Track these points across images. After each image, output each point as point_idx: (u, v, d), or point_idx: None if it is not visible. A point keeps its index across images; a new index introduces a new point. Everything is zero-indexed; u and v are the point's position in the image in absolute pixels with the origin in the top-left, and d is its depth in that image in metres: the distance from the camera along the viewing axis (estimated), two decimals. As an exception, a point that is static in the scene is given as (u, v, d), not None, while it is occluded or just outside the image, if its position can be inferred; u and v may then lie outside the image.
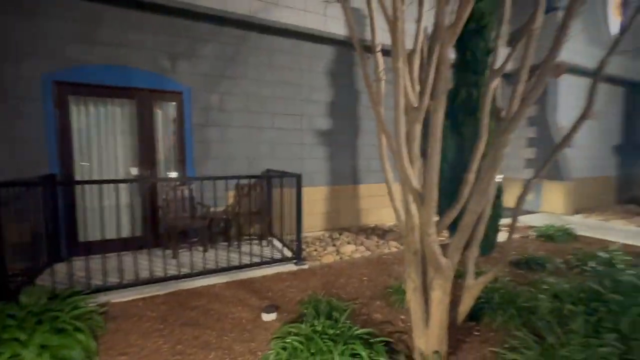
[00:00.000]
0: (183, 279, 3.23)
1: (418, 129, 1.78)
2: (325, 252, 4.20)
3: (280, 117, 5.18)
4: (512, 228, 1.87)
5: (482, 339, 2.27)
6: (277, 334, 2.09)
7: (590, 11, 7.89)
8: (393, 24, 1.62)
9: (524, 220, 6.32)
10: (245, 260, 3.64)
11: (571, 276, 3.10)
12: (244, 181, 4.72)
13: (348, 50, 5.54)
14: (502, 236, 5.00)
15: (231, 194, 4.68)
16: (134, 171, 4.19)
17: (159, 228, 4.24)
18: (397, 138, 1.67)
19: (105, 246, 3.41)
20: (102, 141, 4.10)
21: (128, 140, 4.21)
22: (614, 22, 8.50)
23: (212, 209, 4.36)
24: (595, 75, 1.85)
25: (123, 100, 4.16)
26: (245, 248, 4.23)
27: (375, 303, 2.86)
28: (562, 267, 3.52)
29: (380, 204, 5.99)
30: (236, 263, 3.54)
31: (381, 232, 5.26)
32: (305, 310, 2.45)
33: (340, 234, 5.15)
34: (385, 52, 2.14)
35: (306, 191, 5.35)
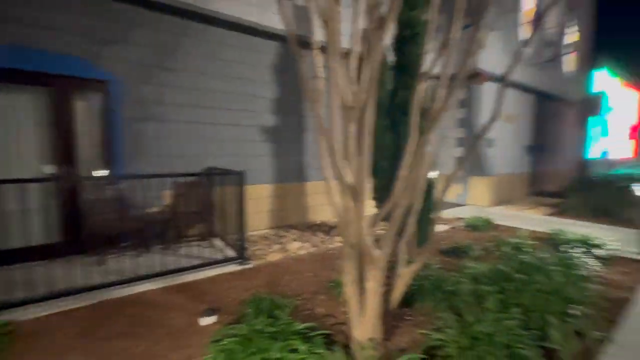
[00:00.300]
0: (111, 288, 2.94)
1: (353, 127, 1.85)
2: (271, 250, 4.16)
3: (225, 112, 4.99)
4: (434, 220, 2.05)
5: (414, 322, 2.46)
6: (215, 337, 2.02)
7: (507, 28, 8.96)
8: (327, 24, 1.66)
9: (454, 212, 6.97)
10: (184, 263, 3.45)
11: (489, 260, 3.49)
12: (184, 180, 4.46)
13: (303, 48, 5.52)
14: (435, 228, 5.47)
15: (169, 193, 4.39)
16: (48, 169, 3.68)
17: (82, 233, 3.80)
18: (332, 136, 1.72)
19: (10, 256, 2.96)
20: (5, 134, 3.53)
21: (42, 134, 3.68)
22: (526, 37, 9.74)
23: (147, 210, 4.05)
24: (502, 83, 2.10)
25: (36, 87, 3.62)
26: (185, 250, 4.01)
27: (319, 297, 2.92)
28: (483, 253, 3.97)
29: (327, 201, 6.11)
30: (174, 267, 3.33)
31: (327, 229, 5.38)
32: (247, 310, 2.41)
33: (287, 232, 5.14)
34: (325, 50, 2.19)
35: (252, 189, 5.24)
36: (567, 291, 2.24)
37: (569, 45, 12.61)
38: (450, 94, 1.69)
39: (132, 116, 4.14)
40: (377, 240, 1.88)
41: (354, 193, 1.65)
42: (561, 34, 12.04)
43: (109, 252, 3.67)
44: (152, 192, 4.12)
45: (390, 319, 2.50)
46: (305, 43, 2.01)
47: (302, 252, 4.17)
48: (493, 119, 1.97)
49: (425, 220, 4.38)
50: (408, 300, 2.73)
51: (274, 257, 3.91)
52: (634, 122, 18.86)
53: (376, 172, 4.82)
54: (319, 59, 2.06)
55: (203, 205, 4.58)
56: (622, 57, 15.74)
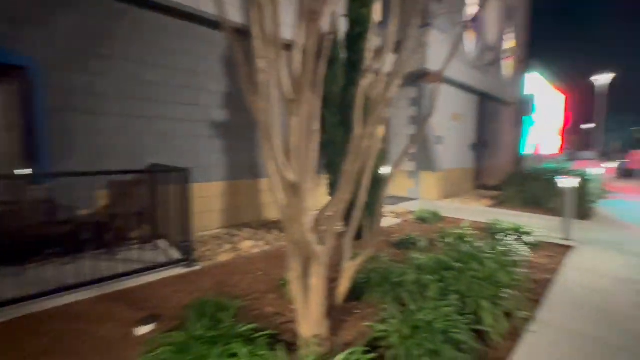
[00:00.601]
0: (33, 301, 2.61)
1: (295, 121, 1.81)
2: (222, 250, 4.00)
3: (172, 106, 4.68)
4: (379, 215, 2.08)
5: (361, 315, 2.50)
6: (149, 347, 1.87)
7: (454, 32, 9.51)
8: (259, 9, 1.59)
9: (406, 206, 7.28)
10: (123, 268, 3.17)
11: (434, 251, 3.67)
12: (124, 178, 4.10)
13: (246, 38, 5.34)
14: (386, 222, 5.66)
15: (105, 193, 4.02)
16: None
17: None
18: (271, 130, 1.66)
19: None
20: None
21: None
22: (470, 41, 10.44)
23: (78, 212, 3.66)
24: (438, 81, 2.18)
25: None
26: (125, 255, 3.70)
27: (269, 296, 2.85)
28: (429, 244, 4.18)
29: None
30: (108, 273, 3.05)
31: (283, 226, 5.31)
32: (188, 316, 2.27)
33: (240, 230, 4.98)
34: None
35: (202, 187, 4.99)
36: (498, 276, 2.42)
37: (506, 50, 13.76)
38: (387, 90, 1.71)
39: (57, 107, 3.70)
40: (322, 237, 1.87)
41: (295, 189, 1.61)
42: (500, 40, 13.10)
43: (32, 261, 3.26)
44: (85, 192, 3.73)
45: (339, 314, 2.51)
46: (248, 33, 1.91)
47: (255, 250, 4.07)
48: (427, 117, 2.04)
49: (376, 214, 4.51)
50: (357, 293, 2.78)
51: (225, 257, 3.75)
52: (561, 122, 21.23)
53: (331, 168, 4.86)
54: (260, 49, 1.98)
55: (146, 206, 4.27)
56: (551, 63, 17.56)
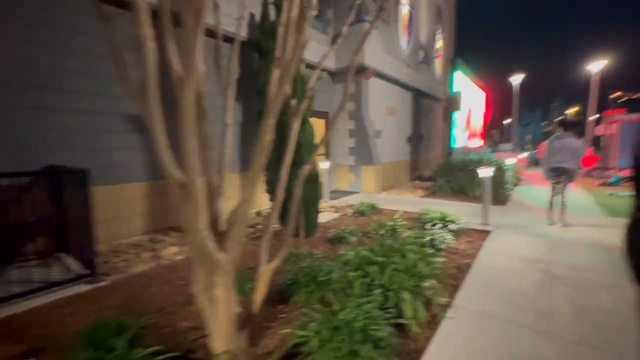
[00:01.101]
0: None
1: (183, 106, 1.57)
2: (140, 259, 3.56)
3: (76, 95, 4.02)
4: (315, 211, 1.95)
5: (286, 319, 2.37)
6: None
7: (389, 30, 9.83)
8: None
9: (346, 200, 7.37)
10: (3, 291, 2.62)
11: (368, 244, 3.70)
12: (14, 181, 3.41)
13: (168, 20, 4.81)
14: (325, 217, 5.64)
15: (-18, 201, 3.30)
16: None
17: None
18: (155, 120, 1.41)
19: None
20: None
21: None
22: (403, 40, 10.91)
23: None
24: (321, 70, 2.11)
25: None
26: (15, 272, 3.09)
27: (187, 309, 2.57)
28: (363, 238, 4.22)
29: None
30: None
31: None
32: (78, 344, 1.91)
33: (166, 235, 4.52)
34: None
35: (118, 189, 4.42)
36: (419, 267, 2.48)
37: (437, 50, 14.74)
38: (284, 80, 1.56)
39: None
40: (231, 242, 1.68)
41: (183, 190, 1.39)
42: (432, 40, 13.96)
43: None
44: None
45: (263, 319, 2.36)
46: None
47: (179, 257, 3.70)
48: (340, 109, 1.95)
49: (312, 210, 4.43)
50: (285, 295, 2.65)
51: (141, 267, 3.34)
52: (483, 117, 23.57)
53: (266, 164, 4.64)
54: (146, 23, 1.68)
55: (45, 213, 3.62)
56: (475, 63, 19.31)
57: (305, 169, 1.95)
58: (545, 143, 5.20)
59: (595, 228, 4.90)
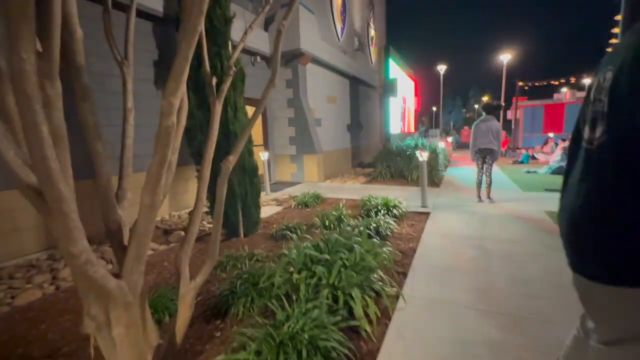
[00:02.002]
0: None
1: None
2: (29, 285, 2.83)
3: None
4: (220, 212, 1.61)
5: (223, 338, 2.03)
6: None
7: (325, 16, 9.61)
8: None
9: (289, 191, 7.09)
10: None
11: (314, 237, 3.48)
12: None
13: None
14: (267, 211, 5.30)
15: None
16: None
17: None
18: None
19: None
20: None
21: None
22: (338, 27, 10.81)
23: None
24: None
25: None
26: None
27: (89, 348, 2.06)
28: (308, 231, 4.01)
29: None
30: None
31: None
32: None
33: (73, 250, 3.73)
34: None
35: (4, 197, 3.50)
36: (367, 260, 2.33)
37: (371, 38, 15.03)
38: (187, 47, 1.19)
39: None
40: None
41: (40, 200, 0.96)
42: (366, 28, 14.15)
43: None
44: None
45: (194, 342, 1.98)
46: None
47: (89, 275, 3.05)
48: (270, 86, 1.64)
49: (252, 205, 4.06)
50: (221, 308, 2.30)
51: (30, 296, 2.63)
52: (414, 104, 25.13)
53: (200, 158, 4.09)
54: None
55: None
56: (405, 52, 20.30)
57: (230, 161, 1.60)
58: (472, 127, 5.54)
59: (515, 202, 5.41)
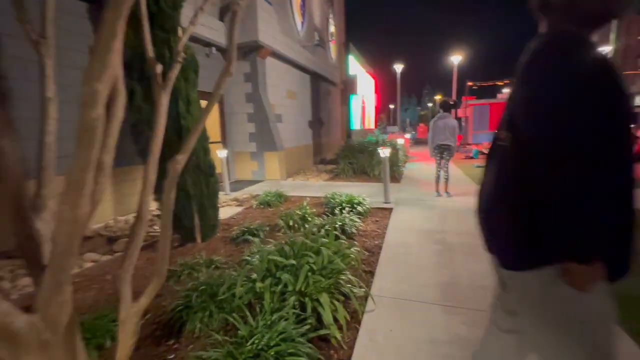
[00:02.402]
0: None
1: None
2: None
3: None
4: (168, 217, 1.39)
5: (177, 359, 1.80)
6: None
7: (284, 9, 9.33)
8: None
9: (250, 190, 6.80)
10: None
11: (279, 240, 3.31)
12: None
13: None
14: (227, 212, 5.01)
15: None
16: None
17: None
18: None
19: None
20: None
21: None
22: (298, 21, 10.60)
23: None
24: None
25: None
26: None
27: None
28: (271, 233, 3.82)
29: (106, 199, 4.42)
30: None
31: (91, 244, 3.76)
32: None
33: (-9, 266, 3.18)
34: None
35: None
36: (334, 262, 2.22)
37: (331, 34, 15.01)
38: (115, 20, 0.97)
39: None
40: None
41: None
42: (326, 23, 14.08)
43: None
44: None
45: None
46: None
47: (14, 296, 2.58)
48: (224, 76, 1.44)
49: (210, 207, 3.77)
50: (174, 325, 2.05)
51: None
52: (374, 101, 25.74)
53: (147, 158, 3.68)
54: None
55: None
56: (364, 49, 20.62)
57: (179, 161, 1.38)
58: (430, 124, 5.71)
59: (470, 196, 5.67)
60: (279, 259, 2.15)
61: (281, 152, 8.20)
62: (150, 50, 1.74)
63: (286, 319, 1.80)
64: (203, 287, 2.16)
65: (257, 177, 8.26)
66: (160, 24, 3.29)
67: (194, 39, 6.55)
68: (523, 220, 0.92)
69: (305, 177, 8.48)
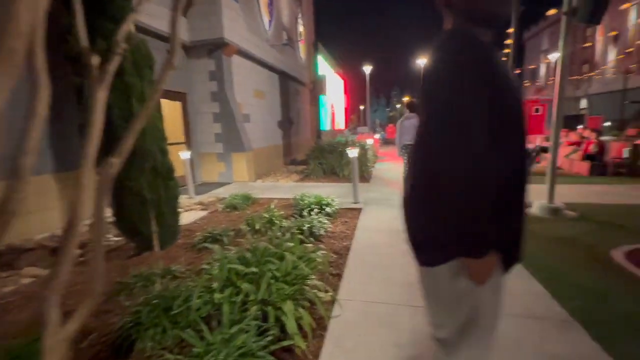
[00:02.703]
0: None
1: None
2: None
3: None
4: (100, 225, 1.23)
5: (124, 386, 1.62)
6: None
7: (251, 7, 9.09)
8: None
9: (217, 193, 6.54)
10: None
11: (242, 244, 3.15)
12: None
13: None
14: (191, 217, 4.75)
15: None
16: None
17: None
18: None
19: None
20: None
21: None
22: (266, 19, 10.40)
23: None
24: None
25: None
26: None
27: None
28: (235, 238, 3.65)
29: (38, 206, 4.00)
30: None
31: (35, 255, 3.37)
32: None
33: None
34: None
35: None
36: (300, 267, 2.14)
37: (300, 34, 14.91)
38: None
39: None
40: None
41: None
42: (294, 23, 13.96)
43: None
44: None
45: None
46: None
47: None
48: (167, 67, 1.31)
49: (168, 212, 3.53)
50: (123, 345, 1.86)
51: None
52: (344, 102, 25.99)
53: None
54: None
55: None
56: (333, 50, 20.75)
57: (113, 164, 1.22)
58: (397, 124, 5.79)
59: (436, 194, 5.83)
60: (239, 267, 2.02)
61: (249, 152, 7.97)
62: (84, 39, 1.56)
63: (247, 332, 1.68)
64: (156, 300, 1.98)
65: (224, 179, 7.98)
66: (111, 14, 3.03)
67: (153, 34, 6.18)
68: (427, 216, 0.95)
69: (275, 179, 8.31)
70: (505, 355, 1.75)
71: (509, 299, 2.32)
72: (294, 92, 13.35)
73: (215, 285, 1.99)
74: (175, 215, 3.60)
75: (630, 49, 17.99)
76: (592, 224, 4.02)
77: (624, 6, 19.17)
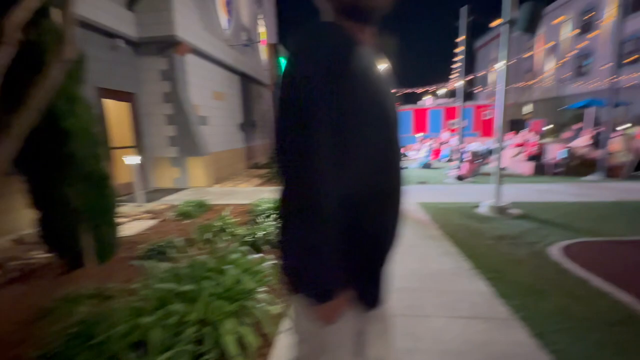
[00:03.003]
0: None
1: None
2: None
3: None
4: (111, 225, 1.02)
5: None
6: None
7: (207, 5, 8.72)
8: None
9: (170, 200, 6.15)
10: None
11: (189, 256, 2.93)
12: None
13: None
14: (137, 227, 4.39)
15: None
16: None
17: None
18: None
19: None
20: None
21: None
22: (224, 18, 10.07)
23: None
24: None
25: None
26: None
27: None
28: (183, 248, 3.41)
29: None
30: None
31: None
32: None
33: None
34: None
35: None
36: (244, 282, 2.00)
37: (260, 35, 14.65)
38: None
39: None
40: None
41: None
42: (254, 23, 13.68)
43: None
44: None
45: None
46: None
47: None
48: (61, 61, 1.13)
49: (105, 224, 3.20)
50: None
51: None
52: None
53: (25, 164, 2.94)
54: None
55: None
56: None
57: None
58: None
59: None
60: (171, 286, 1.84)
61: (207, 156, 7.61)
62: None
63: (181, 357, 1.52)
64: (76, 328, 1.74)
65: (179, 185, 7.54)
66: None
67: (94, 28, 5.68)
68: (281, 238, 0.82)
69: (234, 183, 8.02)
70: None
71: (456, 300, 2.37)
72: (257, 94, 13.06)
73: (145, 306, 1.79)
74: (112, 227, 3.28)
75: (564, 60, 19.89)
76: (534, 222, 4.29)
77: (557, 20, 21.16)
